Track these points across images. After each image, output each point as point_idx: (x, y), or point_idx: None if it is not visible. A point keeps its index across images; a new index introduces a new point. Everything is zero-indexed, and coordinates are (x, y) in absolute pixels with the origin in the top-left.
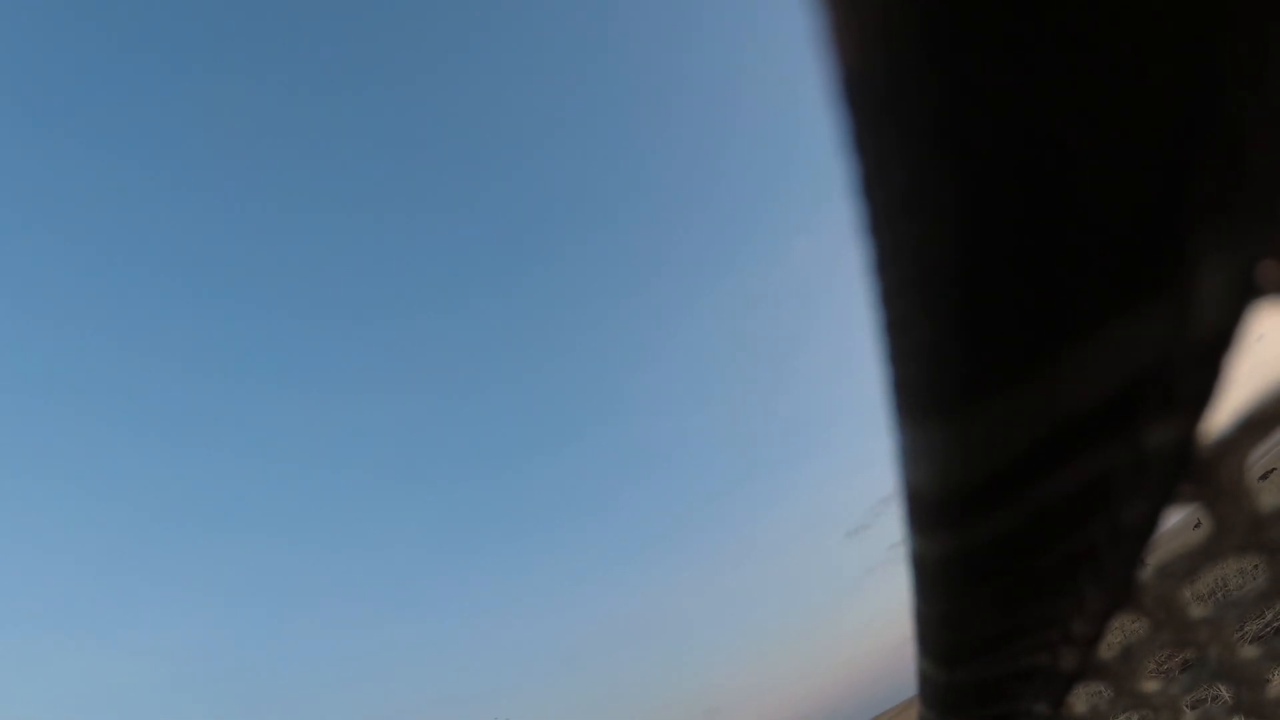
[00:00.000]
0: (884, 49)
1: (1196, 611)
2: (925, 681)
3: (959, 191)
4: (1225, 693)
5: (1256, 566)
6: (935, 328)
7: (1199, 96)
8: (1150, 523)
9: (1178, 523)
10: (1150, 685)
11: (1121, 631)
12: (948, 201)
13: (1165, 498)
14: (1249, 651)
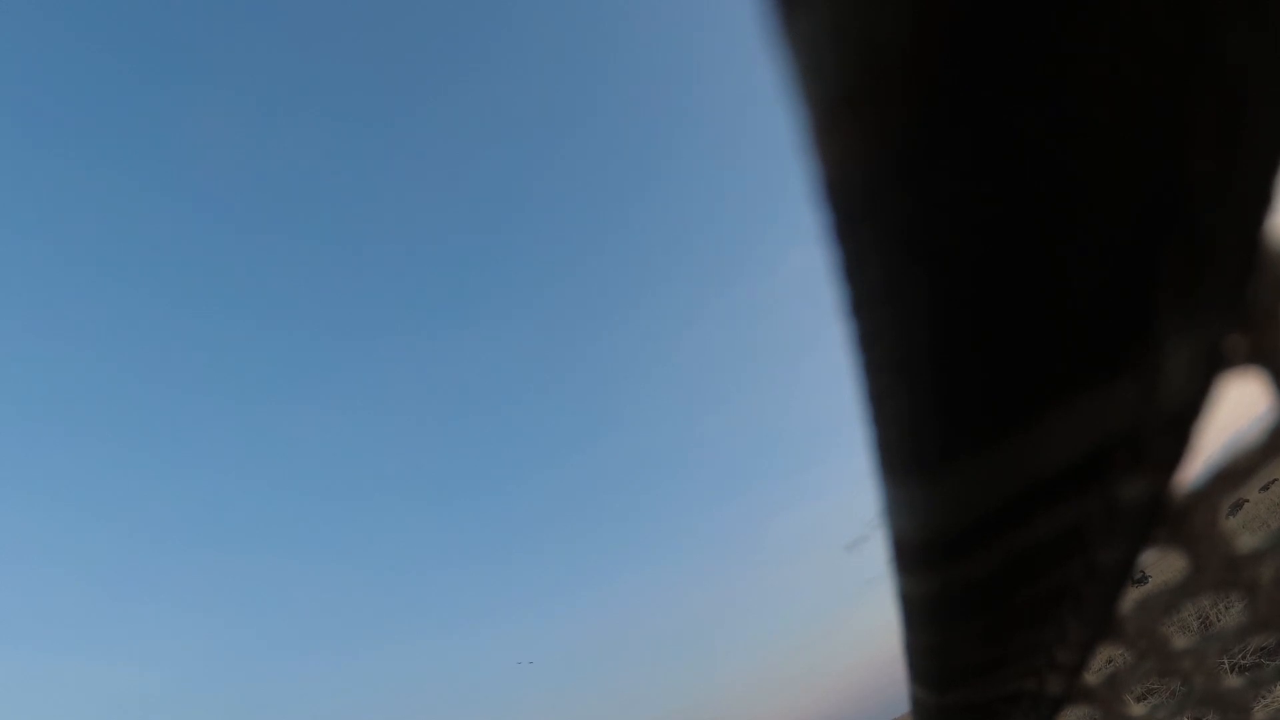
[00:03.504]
0: (860, 164)
1: (1180, 642)
2: (917, 705)
3: (929, 284)
4: (1211, 718)
5: (1237, 601)
6: (912, 400)
7: (1164, 205)
8: (1127, 563)
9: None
10: (1137, 709)
11: (1108, 659)
12: (919, 292)
13: (1140, 542)
14: (1233, 680)
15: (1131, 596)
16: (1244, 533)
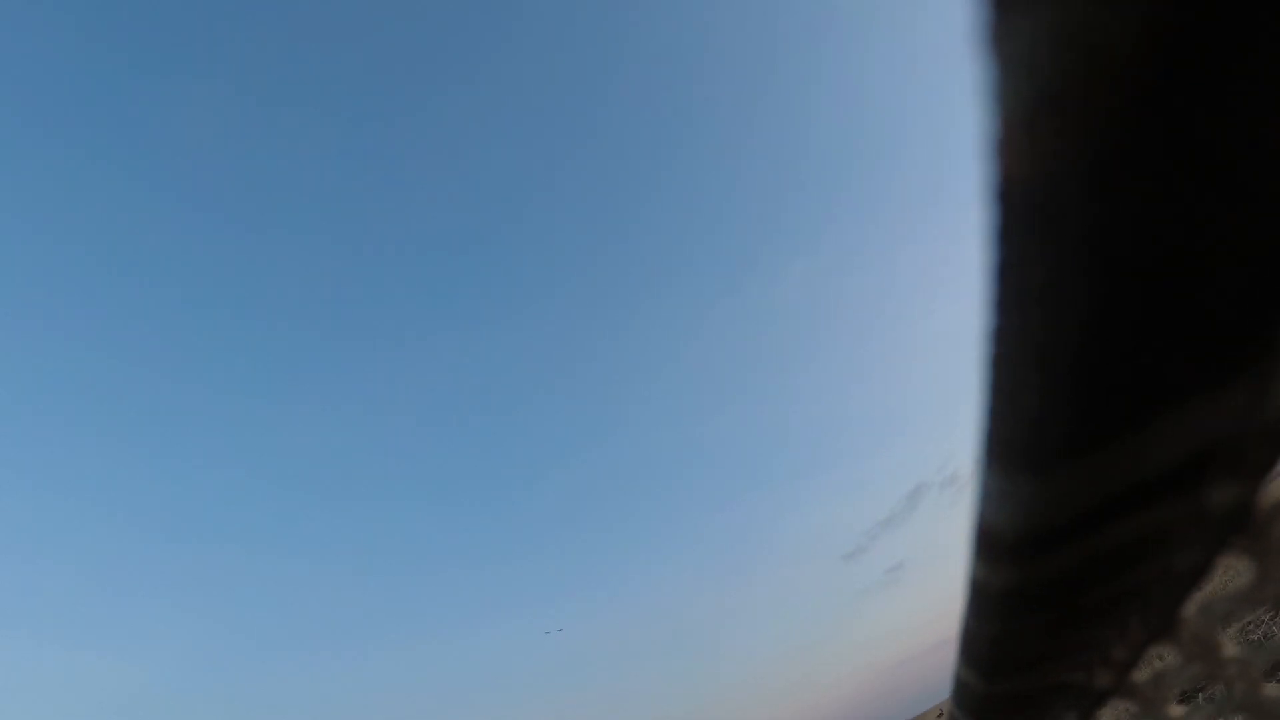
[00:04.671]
0: (1048, 165)
1: (1229, 650)
2: (963, 688)
3: (1088, 291)
4: None
5: None
6: (1044, 398)
7: None
8: (1201, 568)
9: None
10: (1176, 710)
11: (1156, 659)
12: (1079, 297)
13: (1218, 548)
14: (1273, 690)
15: (1193, 600)
16: None
